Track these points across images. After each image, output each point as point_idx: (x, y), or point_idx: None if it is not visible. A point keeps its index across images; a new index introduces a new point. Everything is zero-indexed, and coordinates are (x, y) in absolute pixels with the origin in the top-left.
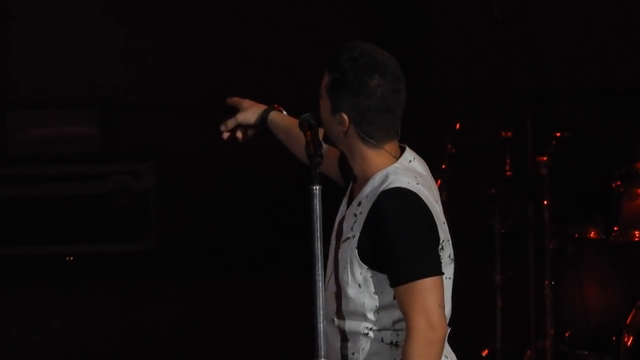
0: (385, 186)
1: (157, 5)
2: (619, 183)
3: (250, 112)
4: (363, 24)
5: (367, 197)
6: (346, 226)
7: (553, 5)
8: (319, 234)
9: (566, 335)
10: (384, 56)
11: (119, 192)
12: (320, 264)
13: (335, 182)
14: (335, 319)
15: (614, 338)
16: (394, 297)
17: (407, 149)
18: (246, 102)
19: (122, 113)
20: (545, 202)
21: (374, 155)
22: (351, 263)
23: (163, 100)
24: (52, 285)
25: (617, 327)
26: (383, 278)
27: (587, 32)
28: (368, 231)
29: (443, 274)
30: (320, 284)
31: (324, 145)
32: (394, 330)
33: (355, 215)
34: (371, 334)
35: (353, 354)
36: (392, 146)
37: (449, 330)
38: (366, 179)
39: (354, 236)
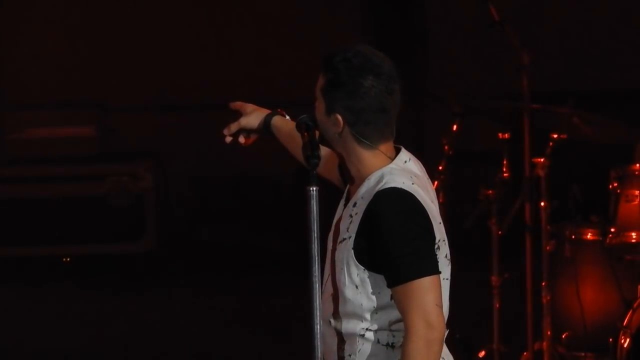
0: (380, 186)
1: (155, 6)
2: (615, 185)
3: (253, 117)
4: (361, 25)
5: (362, 197)
6: (342, 227)
7: (551, 6)
8: (316, 235)
9: (563, 336)
10: (378, 57)
11: (116, 193)
12: (317, 265)
13: (333, 184)
14: (332, 321)
15: (610, 340)
16: (391, 298)
17: (403, 149)
18: (249, 107)
19: (119, 114)
20: (542, 204)
21: (369, 156)
22: (348, 264)
23: (160, 101)
24: (49, 286)
25: (614, 328)
26: (380, 279)
27: (585, 33)
28: (364, 232)
29: (440, 273)
30: (317, 285)
31: (326, 151)
32: (390, 331)
33: (351, 216)
34: (368, 335)
35: (350, 355)
36: (387, 147)
37: (446, 332)
38: (362, 180)
39: (350, 237)
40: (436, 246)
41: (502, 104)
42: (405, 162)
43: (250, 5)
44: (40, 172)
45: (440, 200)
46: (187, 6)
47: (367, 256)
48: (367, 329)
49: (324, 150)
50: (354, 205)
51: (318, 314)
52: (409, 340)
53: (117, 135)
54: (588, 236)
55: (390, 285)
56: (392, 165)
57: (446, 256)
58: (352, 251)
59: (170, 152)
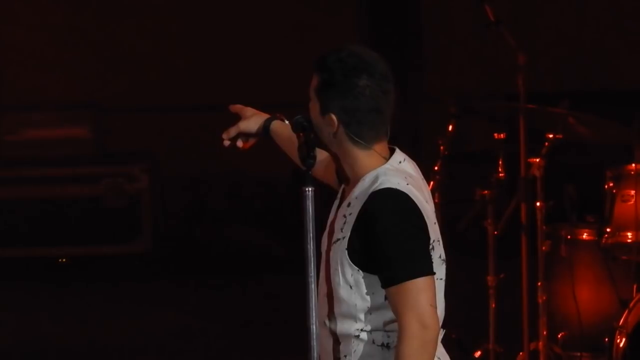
0: (375, 187)
1: (150, 8)
2: (611, 184)
3: (252, 121)
4: (357, 26)
5: (356, 198)
6: (337, 227)
7: (546, 6)
8: (311, 235)
9: (559, 336)
10: (372, 57)
11: (112, 194)
12: (312, 266)
13: (331, 187)
14: (327, 321)
15: (606, 339)
16: (386, 298)
17: (397, 150)
18: (249, 110)
19: (114, 115)
20: (538, 204)
21: (363, 156)
22: (342, 264)
23: (155, 102)
24: (44, 287)
25: (610, 328)
26: (374, 279)
27: (580, 34)
28: (358, 232)
29: (435, 274)
30: (312, 286)
31: (325, 155)
32: (385, 331)
33: (345, 216)
34: (362, 335)
35: (345, 356)
36: (382, 147)
37: (442, 332)
38: (356, 180)
39: (344, 237)
40: (431, 246)
41: (497, 105)
42: (400, 162)
43: (245, 6)
44: (36, 173)
45: (436, 201)
46: (182, 7)
47: (361, 257)
48: (361, 330)
49: (323, 154)
50: (348, 205)
51: (314, 314)
52: (403, 341)
53: (112, 137)
54: (584, 236)
55: (385, 285)
56: (387, 165)
57: (440, 256)
58: (346, 251)
59: (166, 153)
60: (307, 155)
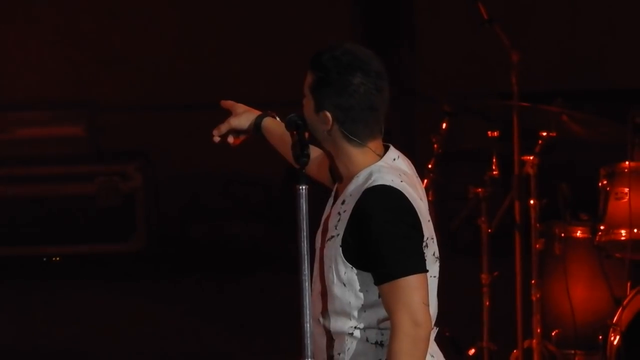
0: (369, 184)
1: (144, 7)
2: (605, 182)
3: (244, 118)
4: (351, 24)
5: (350, 195)
6: (331, 225)
7: (540, 5)
8: (305, 233)
9: (553, 334)
10: (367, 55)
11: (106, 193)
12: (306, 264)
13: (324, 185)
14: (321, 319)
15: (600, 337)
16: (379, 296)
17: (391, 147)
18: (240, 107)
19: (109, 114)
20: (532, 202)
21: (358, 154)
22: (336, 262)
23: (149, 101)
24: (38, 286)
25: (603, 326)
26: (368, 277)
27: (574, 32)
28: (352, 229)
29: (428, 271)
30: (306, 284)
31: (318, 152)
32: (379, 329)
33: (339, 213)
34: (356, 333)
35: (339, 354)
36: (376, 144)
37: (436, 330)
38: (350, 178)
39: (338, 234)
40: (424, 244)
41: (491, 103)
42: (394, 159)
43: (239, 5)
44: (30, 172)
45: (430, 199)
46: (176, 6)
47: (355, 254)
48: (355, 328)
49: (315, 152)
50: (343, 202)
51: (308, 312)
52: (395, 338)
53: (106, 135)
54: (577, 234)
55: (378, 283)
56: (381, 162)
57: (434, 254)
58: (340, 249)
59: (160, 152)
60: (301, 153)
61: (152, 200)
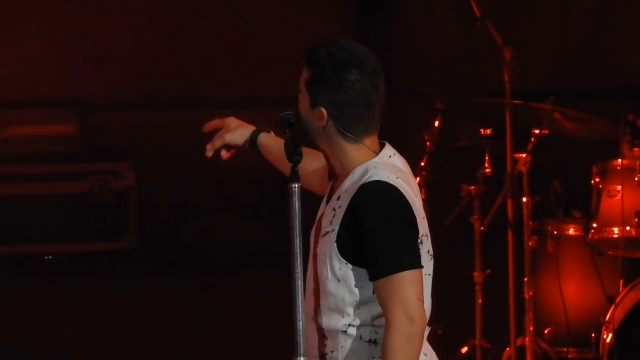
0: (365, 180)
1: (136, 5)
2: (598, 180)
3: (238, 133)
4: (343, 22)
5: (346, 191)
6: (325, 222)
7: (532, 3)
8: (297, 232)
9: (546, 332)
10: (363, 51)
11: (99, 192)
12: (299, 262)
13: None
14: (315, 316)
15: (593, 335)
16: (374, 292)
17: (387, 145)
18: (232, 122)
19: (101, 112)
20: (525, 200)
21: (353, 150)
22: (330, 257)
23: (142, 99)
24: (31, 284)
25: (596, 324)
26: (362, 273)
27: (566, 31)
28: (348, 225)
29: (423, 267)
30: (299, 282)
31: (321, 165)
32: (373, 326)
33: (334, 209)
34: (350, 331)
35: (332, 352)
36: (372, 141)
37: (429, 330)
38: (346, 175)
39: (333, 230)
40: (419, 241)
41: (484, 101)
42: (390, 157)
43: (232, 4)
44: (23, 171)
45: (423, 197)
46: (169, 5)
47: (350, 249)
48: (349, 325)
49: (318, 164)
50: (338, 199)
51: (300, 310)
52: (390, 334)
53: (99, 134)
54: (570, 232)
55: (372, 278)
56: (377, 159)
57: (429, 252)
58: (335, 244)
59: (153, 151)
60: (294, 151)
61: (144, 199)
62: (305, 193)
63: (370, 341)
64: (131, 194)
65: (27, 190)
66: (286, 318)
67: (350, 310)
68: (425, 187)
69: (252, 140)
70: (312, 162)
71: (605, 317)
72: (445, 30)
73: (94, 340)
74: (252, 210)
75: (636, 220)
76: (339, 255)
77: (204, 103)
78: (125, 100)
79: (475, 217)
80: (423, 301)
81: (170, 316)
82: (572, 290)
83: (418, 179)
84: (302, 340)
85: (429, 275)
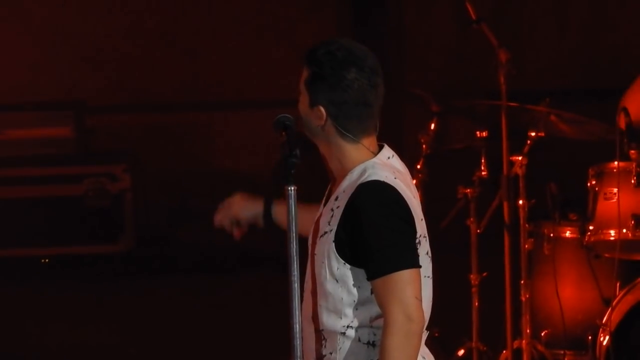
0: (363, 179)
1: (132, 7)
2: (594, 182)
3: (247, 208)
4: (339, 23)
5: (344, 191)
6: (323, 222)
7: (528, 5)
8: (294, 234)
9: (542, 334)
10: (362, 51)
11: (95, 194)
12: (295, 265)
13: (313, 184)
14: (313, 318)
15: (590, 337)
16: (372, 292)
17: (386, 146)
18: (237, 198)
19: (96, 115)
20: (521, 202)
21: (351, 150)
22: (328, 257)
23: (138, 101)
24: (27, 287)
25: (593, 326)
26: (360, 273)
27: (562, 32)
28: (345, 224)
29: (420, 266)
30: (295, 285)
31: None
32: (371, 327)
33: (332, 210)
34: (348, 332)
35: (331, 353)
36: (370, 141)
37: (427, 334)
38: (344, 175)
39: (331, 230)
40: (417, 241)
41: (479, 103)
42: (389, 158)
43: (227, 4)
44: (18, 173)
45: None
46: (165, 6)
47: (348, 249)
48: (348, 326)
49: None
50: (336, 199)
51: (297, 313)
52: (388, 333)
53: (95, 136)
54: (566, 234)
55: (370, 277)
56: (375, 159)
57: (427, 253)
58: (333, 244)
59: (148, 153)
60: (289, 154)
61: (140, 201)
62: (301, 195)
63: (368, 343)
64: (127, 197)
65: (23, 192)
66: (283, 321)
67: (349, 311)
68: (421, 189)
69: (266, 212)
70: (309, 216)
71: (602, 319)
72: (440, 32)
73: (90, 343)
74: None
75: (632, 222)
76: (337, 254)
77: (201, 105)
78: (121, 103)
79: (471, 219)
80: (421, 300)
81: (166, 319)
82: (568, 292)
83: (414, 181)
84: (298, 343)
85: (428, 277)
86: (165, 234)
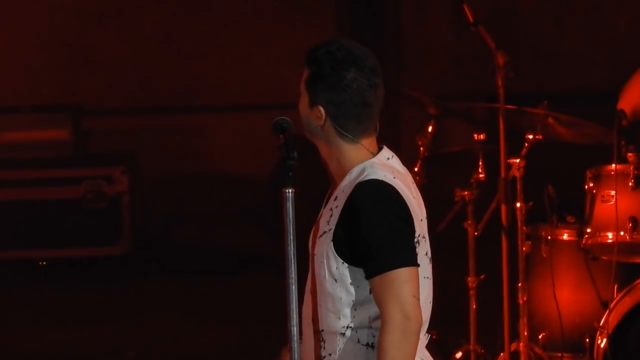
0: (361, 178)
1: (129, 10)
2: (591, 185)
3: None
4: (336, 26)
5: (343, 190)
6: (323, 222)
7: (526, 7)
8: (291, 236)
9: (540, 337)
10: (362, 51)
11: (92, 196)
12: (293, 267)
13: (312, 186)
14: (312, 318)
15: (587, 340)
16: (371, 292)
17: (385, 147)
18: None
19: (94, 117)
20: (518, 205)
21: (351, 150)
22: (327, 257)
23: (135, 104)
24: (24, 289)
25: (590, 329)
26: (359, 272)
27: (560, 35)
28: (344, 223)
29: (419, 265)
30: (293, 287)
31: None
32: (370, 328)
33: (331, 209)
34: (348, 333)
35: (330, 354)
36: (369, 142)
37: (427, 337)
38: (343, 175)
39: (330, 229)
40: (416, 240)
41: (477, 105)
42: (388, 159)
43: (225, 7)
44: (16, 176)
45: None
46: (161, 8)
47: (346, 248)
48: (347, 327)
49: None
50: (335, 198)
51: (295, 315)
52: (386, 331)
53: (92, 139)
54: (564, 237)
55: (368, 276)
56: (374, 160)
57: (426, 254)
58: (332, 243)
59: (146, 155)
60: (287, 156)
61: (138, 204)
62: (299, 198)
63: (367, 344)
64: (124, 199)
65: (20, 195)
66: (281, 323)
67: (347, 311)
68: (419, 191)
69: None
70: None
71: (599, 321)
72: (438, 35)
73: (88, 345)
74: (245, 214)
75: (630, 224)
76: (335, 254)
77: (198, 108)
78: (118, 105)
79: (469, 222)
80: (419, 299)
81: (163, 321)
82: (566, 295)
83: None
84: (296, 345)
85: (428, 278)
86: (162, 236)
